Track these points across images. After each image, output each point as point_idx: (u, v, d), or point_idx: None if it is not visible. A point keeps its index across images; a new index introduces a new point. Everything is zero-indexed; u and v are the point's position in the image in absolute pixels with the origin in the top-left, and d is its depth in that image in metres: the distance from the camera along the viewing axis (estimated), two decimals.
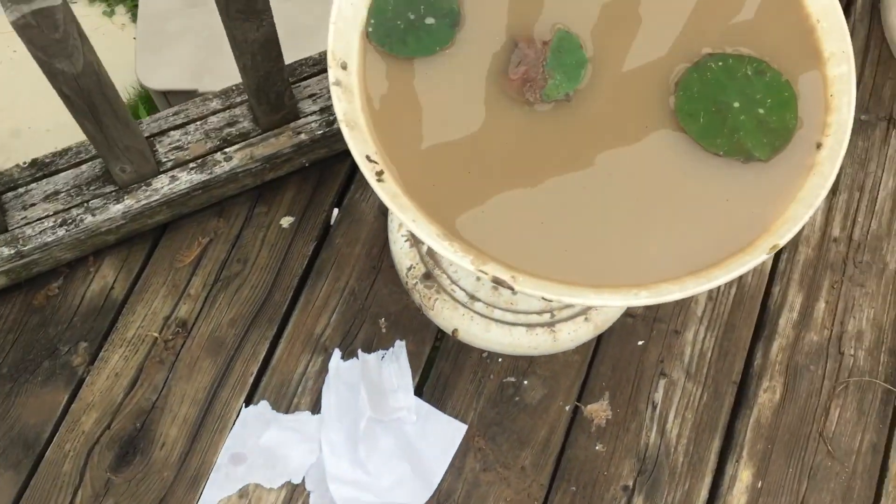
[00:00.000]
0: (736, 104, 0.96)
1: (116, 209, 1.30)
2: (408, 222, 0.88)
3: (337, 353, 1.34)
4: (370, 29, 0.97)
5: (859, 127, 1.52)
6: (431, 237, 0.86)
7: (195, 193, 1.34)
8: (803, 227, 1.36)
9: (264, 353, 1.35)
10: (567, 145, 0.94)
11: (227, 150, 1.34)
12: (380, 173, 0.90)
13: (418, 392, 1.33)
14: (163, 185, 1.32)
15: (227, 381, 1.33)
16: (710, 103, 0.95)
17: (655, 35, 0.98)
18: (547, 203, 0.92)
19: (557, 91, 0.96)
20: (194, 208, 1.39)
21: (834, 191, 1.48)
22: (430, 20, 0.98)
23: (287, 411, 1.32)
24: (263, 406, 1.31)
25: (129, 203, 1.31)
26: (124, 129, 1.19)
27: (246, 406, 1.32)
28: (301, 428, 1.30)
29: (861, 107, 1.52)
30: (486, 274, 0.87)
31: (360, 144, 0.90)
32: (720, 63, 0.97)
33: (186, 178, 1.32)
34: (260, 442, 1.30)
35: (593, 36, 0.99)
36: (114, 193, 1.31)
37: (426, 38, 0.97)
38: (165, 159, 1.33)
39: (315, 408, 1.32)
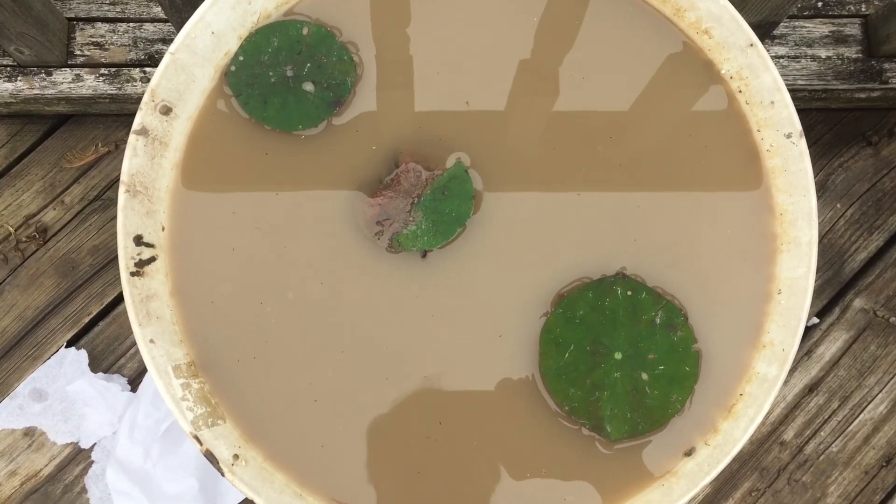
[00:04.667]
0: (618, 355, 0.72)
1: (4, 88, 1.14)
2: (139, 337, 0.69)
3: None
4: (233, 67, 0.75)
5: (882, 328, 1.23)
6: (160, 369, 0.69)
7: (101, 101, 1.16)
8: None
9: (112, 298, 1.20)
10: (385, 319, 0.73)
11: (147, 69, 1.14)
12: (144, 262, 0.70)
13: None
14: (63, 81, 1.14)
15: (63, 310, 1.20)
16: (588, 339, 0.72)
17: (576, 221, 0.74)
18: (331, 396, 0.72)
19: (414, 241, 0.73)
20: (103, 112, 1.21)
21: (811, 389, 1.22)
22: (308, 86, 0.75)
23: (106, 370, 1.18)
24: (83, 355, 1.18)
25: (21, 86, 1.13)
26: (13, 16, 1.01)
27: (68, 346, 1.18)
28: (109, 397, 1.17)
29: None
30: (199, 443, 0.69)
31: (136, 218, 0.70)
32: (629, 293, 0.73)
33: (91, 84, 1.14)
34: (67, 388, 1.18)
35: (498, 188, 0.75)
36: (8, 69, 1.14)
37: (293, 108, 0.75)
38: (79, 52, 1.15)
39: (134, 377, 1.18)
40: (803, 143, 0.73)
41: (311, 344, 0.72)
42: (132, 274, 0.70)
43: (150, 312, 0.70)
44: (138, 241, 0.71)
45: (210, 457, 0.68)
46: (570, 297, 0.73)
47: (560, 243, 0.74)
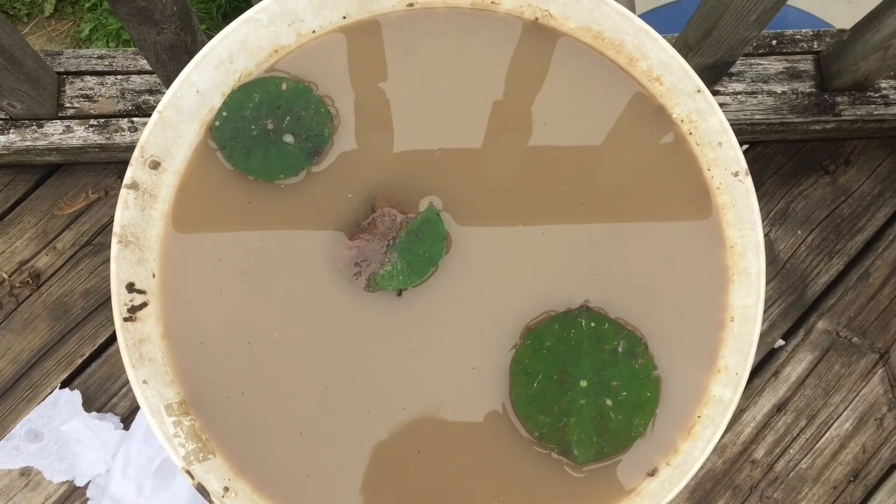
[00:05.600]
0: (583, 382, 0.77)
1: None
2: (132, 378, 0.74)
3: None
4: (217, 122, 0.80)
5: (845, 348, 1.29)
6: (152, 408, 0.73)
7: (91, 150, 1.21)
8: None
9: (104, 339, 1.25)
10: (365, 355, 0.78)
11: (135, 119, 1.19)
12: (136, 308, 0.75)
13: None
14: (54, 132, 1.19)
15: (57, 353, 1.24)
16: (555, 368, 0.77)
17: (541, 257, 0.79)
18: (313, 424, 0.77)
19: (389, 281, 0.78)
20: (93, 160, 1.26)
21: (779, 408, 1.27)
22: (288, 138, 0.80)
23: (100, 409, 1.22)
24: (76, 396, 1.22)
25: (14, 138, 1.18)
26: (6, 73, 1.06)
27: (62, 387, 1.23)
28: (103, 435, 1.21)
29: (859, 327, 1.29)
30: (191, 477, 0.73)
31: (128, 267, 0.75)
32: (592, 324, 0.78)
33: (81, 135, 1.19)
34: (62, 428, 1.22)
35: (469, 229, 0.80)
36: (1, 122, 1.19)
37: (274, 159, 0.80)
38: (69, 104, 1.20)
39: (127, 416, 1.22)
40: (749, 181, 0.78)
41: (296, 380, 0.77)
42: (125, 319, 0.75)
43: (143, 355, 0.75)
44: (130, 288, 0.76)
45: (202, 490, 0.73)
46: (537, 330, 0.78)
47: (527, 279, 0.80)
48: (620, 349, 0.78)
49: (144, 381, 0.74)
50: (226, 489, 0.73)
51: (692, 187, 0.82)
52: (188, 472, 0.73)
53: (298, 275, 0.79)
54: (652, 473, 0.77)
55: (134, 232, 0.76)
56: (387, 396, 0.77)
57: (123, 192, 0.76)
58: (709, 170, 0.81)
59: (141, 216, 0.77)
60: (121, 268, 0.75)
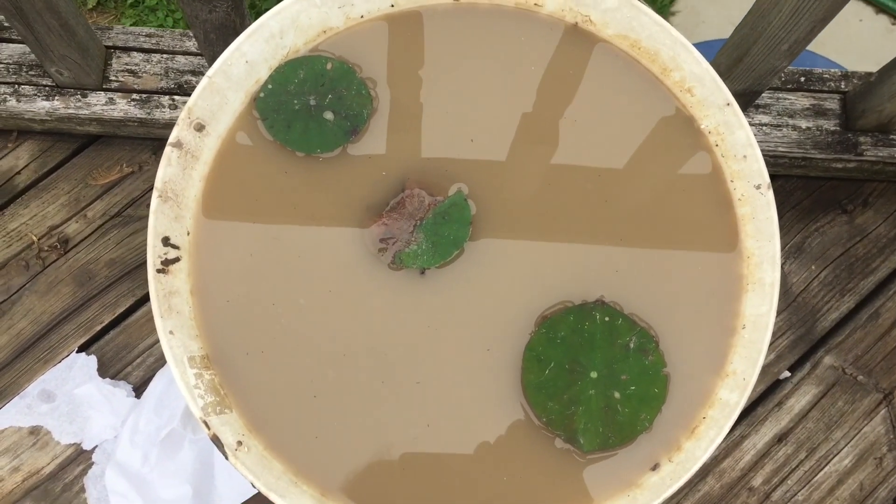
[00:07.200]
0: (593, 374, 0.79)
1: (42, 106, 1.22)
2: (160, 328, 0.76)
3: None
4: (262, 94, 0.83)
5: (850, 385, 1.30)
6: (177, 358, 0.75)
7: (130, 124, 1.25)
8: (720, 455, 1.19)
9: (124, 309, 1.28)
10: (385, 328, 0.80)
11: (176, 97, 1.23)
12: (169, 262, 0.78)
13: None
14: (97, 103, 1.23)
15: (77, 317, 1.27)
16: (568, 358, 0.79)
17: (562, 250, 0.82)
18: (330, 398, 0.79)
19: (414, 260, 0.81)
20: (131, 134, 1.29)
21: (780, 439, 1.29)
22: (329, 115, 0.83)
23: (114, 376, 1.25)
24: (92, 361, 1.24)
25: (58, 105, 1.22)
26: (59, 39, 1.10)
27: (79, 352, 1.25)
28: (114, 401, 1.23)
29: (865, 366, 1.30)
30: (208, 427, 0.75)
31: (165, 222, 0.78)
32: (606, 318, 0.80)
33: (123, 108, 1.22)
34: (75, 391, 1.24)
35: (493, 216, 0.82)
36: (47, 88, 1.22)
37: (314, 134, 0.83)
38: (113, 77, 1.23)
39: (139, 385, 1.24)
40: (770, 193, 0.81)
41: (316, 345, 0.79)
42: (158, 271, 0.77)
43: (172, 307, 0.78)
44: (165, 241, 0.79)
45: (216, 441, 0.75)
46: (552, 319, 0.81)
47: (546, 269, 0.82)
48: (632, 345, 0.80)
49: (171, 332, 0.77)
50: (239, 443, 0.75)
51: (714, 197, 0.84)
52: (205, 423, 0.75)
53: (327, 245, 0.81)
54: (654, 468, 0.78)
55: (174, 189, 0.79)
56: (402, 369, 0.79)
57: (168, 149, 0.79)
58: (732, 181, 0.84)
59: (182, 175, 0.80)
60: (159, 221, 0.78)
